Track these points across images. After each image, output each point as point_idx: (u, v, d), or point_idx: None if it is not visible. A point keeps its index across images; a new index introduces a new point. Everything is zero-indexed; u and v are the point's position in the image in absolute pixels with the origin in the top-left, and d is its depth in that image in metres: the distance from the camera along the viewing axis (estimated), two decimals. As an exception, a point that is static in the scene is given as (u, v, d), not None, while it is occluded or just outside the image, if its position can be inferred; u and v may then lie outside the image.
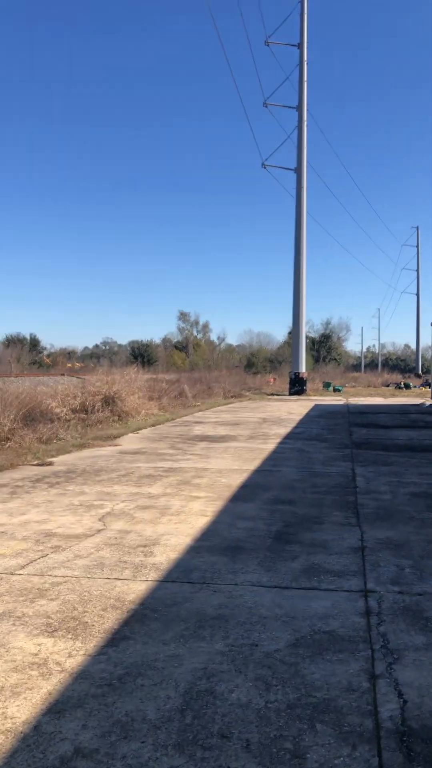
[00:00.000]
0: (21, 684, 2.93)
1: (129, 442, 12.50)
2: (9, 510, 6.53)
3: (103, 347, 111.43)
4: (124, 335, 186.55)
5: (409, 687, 2.92)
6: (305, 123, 35.30)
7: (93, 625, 3.60)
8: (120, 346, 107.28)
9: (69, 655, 3.23)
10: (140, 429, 14.88)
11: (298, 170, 35.24)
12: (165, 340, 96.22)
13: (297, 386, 34.03)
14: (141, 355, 78.46)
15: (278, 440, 12.67)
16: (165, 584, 4.29)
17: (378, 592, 4.17)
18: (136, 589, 4.20)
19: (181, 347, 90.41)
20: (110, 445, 11.94)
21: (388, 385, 48.05)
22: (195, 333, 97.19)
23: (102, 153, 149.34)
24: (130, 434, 13.82)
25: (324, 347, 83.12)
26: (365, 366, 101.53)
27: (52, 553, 5.04)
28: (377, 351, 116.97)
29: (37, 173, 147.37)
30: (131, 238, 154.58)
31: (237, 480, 8.22)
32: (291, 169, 35.74)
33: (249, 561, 4.81)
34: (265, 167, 36.27)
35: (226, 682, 2.95)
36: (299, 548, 5.16)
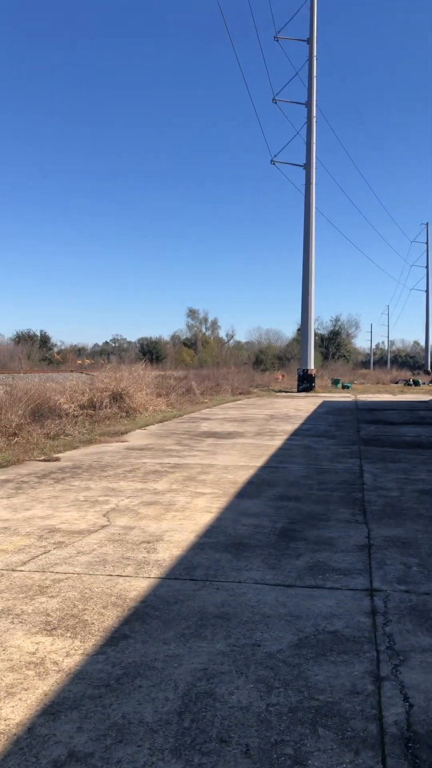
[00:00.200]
0: (17, 684, 2.87)
1: (136, 438, 12.44)
2: (13, 505, 6.48)
3: (113, 344, 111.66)
4: (133, 332, 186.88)
5: (416, 690, 2.83)
6: (314, 119, 35.09)
7: (93, 624, 3.53)
8: (129, 343, 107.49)
9: (67, 654, 3.16)
10: (147, 425, 14.83)
11: (307, 166, 35.05)
12: (174, 338, 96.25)
13: (305, 383, 33.90)
14: (150, 352, 78.48)
15: (285, 437, 12.57)
16: (167, 581, 4.22)
17: (384, 591, 4.08)
18: (138, 586, 4.13)
19: (190, 344, 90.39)
20: (117, 441, 11.89)
21: (397, 382, 47.79)
22: (204, 330, 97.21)
23: (109, 149, 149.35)
24: (138, 430, 13.76)
25: (333, 344, 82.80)
26: (374, 363, 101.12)
27: (54, 549, 4.98)
28: (386, 348, 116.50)
29: (47, 172, 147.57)
30: (141, 235, 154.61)
31: (243, 476, 8.14)
32: (300, 166, 35.56)
33: (253, 558, 4.73)
34: (274, 163, 36.13)
35: (226, 684, 2.87)
36: (304, 545, 5.07)
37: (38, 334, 79.67)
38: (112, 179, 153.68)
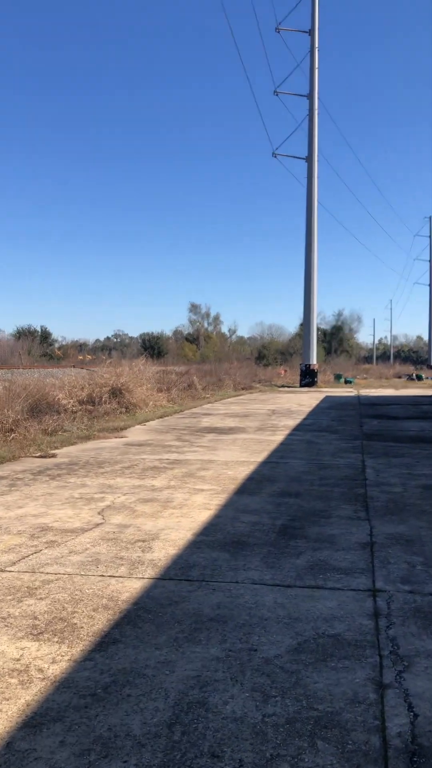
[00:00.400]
0: (-2, 693, 2.71)
1: (135, 433, 12.28)
2: (6, 503, 6.33)
3: (115, 339, 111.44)
4: (135, 327, 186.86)
5: (420, 699, 2.67)
6: (316, 111, 34.81)
7: (82, 627, 3.37)
8: (131, 338, 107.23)
9: (53, 660, 3.00)
10: (147, 420, 14.67)
11: (309, 159, 34.79)
12: (176, 333, 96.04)
13: (308, 378, 33.71)
14: (152, 347, 78.34)
15: (287, 432, 12.40)
16: (161, 582, 4.06)
17: (387, 592, 3.91)
18: (131, 587, 3.97)
19: (192, 339, 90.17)
20: (116, 437, 11.73)
21: (399, 377, 47.59)
22: (206, 325, 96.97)
23: (109, 144, 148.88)
24: (137, 426, 13.60)
25: (335, 339, 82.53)
26: (377, 358, 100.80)
27: (46, 548, 4.82)
28: (389, 342, 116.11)
29: (47, 166, 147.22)
30: (142, 230, 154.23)
31: (243, 472, 7.98)
32: (302, 158, 35.29)
33: (251, 557, 4.56)
34: (275, 156, 35.86)
35: (220, 693, 2.71)
36: (305, 543, 4.91)
37: (39, 329, 79.54)
38: (113, 174, 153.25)
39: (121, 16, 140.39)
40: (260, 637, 3.25)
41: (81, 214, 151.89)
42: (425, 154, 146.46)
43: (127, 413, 16.15)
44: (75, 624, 3.41)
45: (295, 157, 35.77)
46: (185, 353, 77.49)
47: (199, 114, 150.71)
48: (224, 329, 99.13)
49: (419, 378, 44.47)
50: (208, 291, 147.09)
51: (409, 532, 5.30)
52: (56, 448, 10.27)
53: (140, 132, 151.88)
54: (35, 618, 3.50)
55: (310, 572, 4.25)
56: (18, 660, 3.00)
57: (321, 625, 3.41)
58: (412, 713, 2.56)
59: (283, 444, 10.65)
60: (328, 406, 19.51)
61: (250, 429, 12.92)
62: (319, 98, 34.95)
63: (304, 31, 35.24)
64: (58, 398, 15.27)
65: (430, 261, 76.26)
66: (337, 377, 40.44)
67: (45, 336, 79.19)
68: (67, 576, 4.19)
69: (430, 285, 75.71)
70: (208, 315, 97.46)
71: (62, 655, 3.05)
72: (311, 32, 34.95)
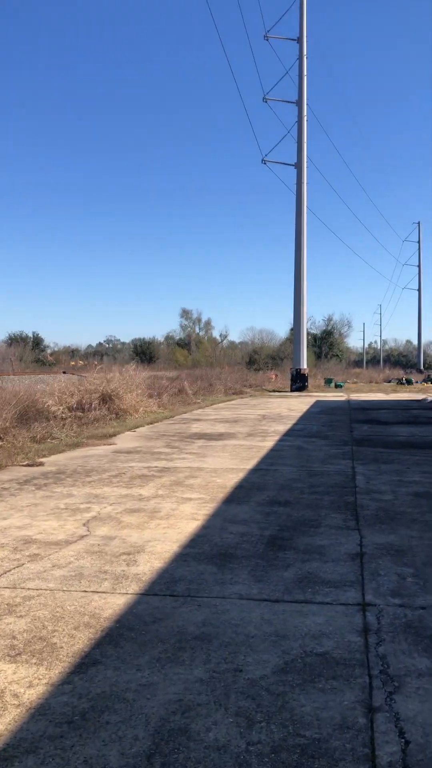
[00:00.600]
0: (-29, 721, 2.58)
1: (124, 440, 12.14)
2: (-10, 515, 6.18)
3: (107, 345, 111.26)
4: (127, 333, 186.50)
5: (412, 723, 2.56)
6: (305, 118, 34.84)
7: (61, 648, 3.25)
8: (123, 343, 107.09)
9: (30, 684, 2.87)
10: (137, 427, 14.53)
11: (298, 166, 34.79)
12: (168, 338, 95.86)
13: (298, 383, 33.65)
14: (143, 352, 78.21)
15: (277, 438, 12.30)
16: (146, 598, 3.94)
17: (377, 606, 3.81)
18: (114, 603, 3.85)
19: (184, 345, 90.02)
20: (105, 444, 11.59)
21: (389, 381, 47.59)
22: (197, 330, 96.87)
23: (102, 150, 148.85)
24: (127, 432, 13.47)
25: (326, 343, 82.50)
26: (367, 362, 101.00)
27: (28, 562, 4.69)
28: (379, 347, 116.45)
29: (40, 169, 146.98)
30: (134, 236, 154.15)
31: (232, 480, 7.87)
32: (291, 165, 35.30)
33: (239, 570, 4.45)
34: (265, 163, 35.87)
35: (203, 718, 2.59)
36: (293, 555, 4.80)
37: (31, 335, 79.26)
38: (105, 180, 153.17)
39: (109, 23, 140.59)
40: (246, 657, 3.14)
41: (74, 220, 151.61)
42: (415, 161, 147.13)
43: (117, 419, 16.01)
44: (55, 644, 3.29)
45: (284, 163, 35.82)
46: (177, 358, 77.35)
47: (190, 121, 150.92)
48: (215, 334, 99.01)
49: (409, 382, 44.50)
50: (199, 296, 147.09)
51: (400, 541, 5.20)
52: (44, 456, 10.12)
53: (132, 139, 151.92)
54: (14, 638, 3.37)
55: (298, 586, 4.14)
56: (-7, 684, 2.88)
57: (309, 642, 3.30)
58: (403, 740, 2.45)
59: (273, 450, 10.54)
60: (318, 410, 19.43)
61: (240, 435, 12.81)
62: (308, 105, 35.02)
63: (293, 39, 35.32)
64: (48, 405, 15.13)
65: (418, 266, 76.48)
66: (328, 381, 40.40)
67: (37, 342, 78.93)
68: (49, 592, 4.06)
69: (418, 290, 75.86)
70: (199, 320, 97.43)
71: (39, 679, 2.92)
72: (299, 40, 35.01)
